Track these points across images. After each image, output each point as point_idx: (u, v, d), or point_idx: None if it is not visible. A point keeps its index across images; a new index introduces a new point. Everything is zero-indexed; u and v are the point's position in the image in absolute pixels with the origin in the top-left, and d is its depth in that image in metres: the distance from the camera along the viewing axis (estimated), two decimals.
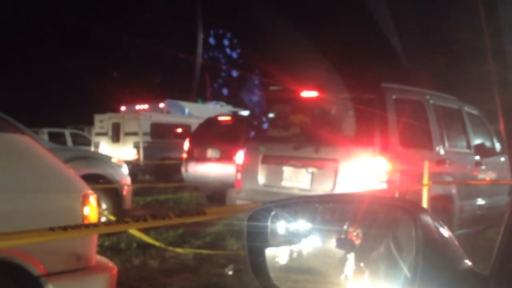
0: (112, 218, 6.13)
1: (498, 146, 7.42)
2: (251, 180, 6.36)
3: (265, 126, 6.78)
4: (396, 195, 5.67)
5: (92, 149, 16.42)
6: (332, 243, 1.17)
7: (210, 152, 10.64)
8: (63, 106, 26.65)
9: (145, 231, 6.32)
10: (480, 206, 6.73)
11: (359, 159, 5.70)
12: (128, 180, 7.62)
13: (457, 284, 0.97)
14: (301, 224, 1.22)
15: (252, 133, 7.03)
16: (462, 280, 0.96)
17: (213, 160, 10.51)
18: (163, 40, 27.78)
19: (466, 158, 6.67)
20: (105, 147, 16.29)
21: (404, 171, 5.73)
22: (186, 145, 11.27)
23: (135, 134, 15.83)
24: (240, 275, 5.22)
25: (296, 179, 6.08)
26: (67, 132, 20.13)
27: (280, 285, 1.17)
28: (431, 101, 6.36)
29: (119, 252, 6.15)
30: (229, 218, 6.88)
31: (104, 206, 7.20)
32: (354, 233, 1.15)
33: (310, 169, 5.97)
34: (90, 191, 3.44)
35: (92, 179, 6.27)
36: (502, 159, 7.34)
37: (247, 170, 6.46)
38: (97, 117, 17.33)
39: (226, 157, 9.90)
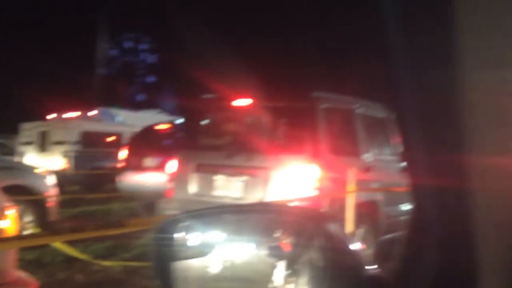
0: (37, 230, 5.86)
1: None
2: (183, 190, 6.28)
3: (198, 134, 6.72)
4: (326, 202, 5.79)
5: (16, 159, 15.64)
6: (244, 253, 1.15)
7: (147, 161, 10.45)
8: None
9: (72, 243, 6.08)
10: (405, 211, 6.97)
11: (290, 167, 5.78)
12: (53, 191, 7.31)
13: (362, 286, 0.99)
14: (214, 235, 1.19)
15: (185, 142, 6.97)
16: (366, 287, 0.97)
17: (150, 169, 10.33)
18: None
19: (392, 165, 6.91)
20: (31, 157, 15.56)
21: (334, 178, 5.85)
22: (123, 153, 10.99)
23: (63, 143, 15.24)
24: None
25: (228, 187, 6.06)
26: None
27: None
28: (359, 110, 6.56)
29: (43, 266, 5.87)
30: None
31: (29, 218, 6.86)
32: (265, 243, 1.13)
33: (242, 178, 5.98)
34: (8, 204, 3.26)
35: (15, 191, 5.97)
36: None
37: (179, 179, 6.37)
38: (24, 126, 16.56)
39: (164, 166, 9.75)
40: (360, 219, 5.80)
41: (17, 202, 3.34)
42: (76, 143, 15.24)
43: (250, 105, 6.34)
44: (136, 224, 2.60)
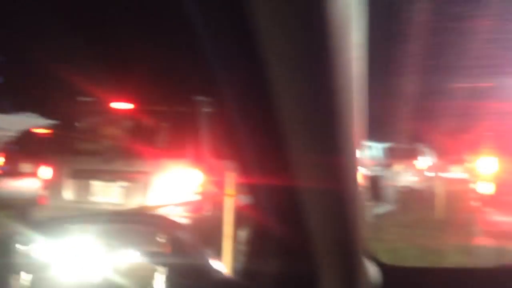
0: None
1: None
2: (58, 196, 5.96)
3: (74, 138, 6.43)
4: (208, 206, 5.81)
5: None
6: (89, 263, 1.12)
7: (24, 167, 9.88)
8: None
9: None
10: None
11: (172, 171, 5.73)
12: None
13: None
14: (57, 247, 1.13)
15: (60, 146, 6.63)
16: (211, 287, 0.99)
17: (26, 175, 9.74)
18: None
19: None
20: None
21: (216, 182, 5.90)
22: None
23: None
24: None
25: (107, 193, 5.87)
26: None
27: None
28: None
29: None
30: None
31: None
32: (112, 252, 1.11)
33: (122, 183, 5.82)
34: None
35: None
36: None
37: (54, 185, 6.04)
38: None
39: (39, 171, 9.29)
40: (240, 221, 5.89)
41: None
42: None
43: (130, 108, 6.20)
44: None
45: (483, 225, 5.88)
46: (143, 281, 1.09)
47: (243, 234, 6.13)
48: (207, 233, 5.67)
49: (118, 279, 1.11)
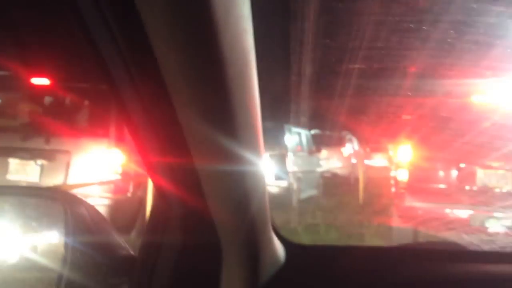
0: None
1: None
2: None
3: None
4: (130, 186, 5.77)
5: None
6: None
7: None
8: None
9: None
10: None
11: (93, 150, 5.62)
12: None
13: (112, 268, 1.03)
14: None
15: None
16: (115, 263, 1.01)
17: None
18: None
19: None
20: None
21: (138, 162, 5.84)
22: None
23: None
24: None
25: (24, 172, 5.69)
26: None
27: None
28: None
29: None
30: None
31: None
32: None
33: (40, 161, 5.65)
34: None
35: None
36: None
37: None
38: None
39: None
40: None
41: None
42: None
43: (49, 84, 6.01)
44: None
45: (399, 210, 6.20)
46: (44, 257, 1.08)
47: None
48: (128, 213, 5.63)
49: (18, 255, 1.10)
